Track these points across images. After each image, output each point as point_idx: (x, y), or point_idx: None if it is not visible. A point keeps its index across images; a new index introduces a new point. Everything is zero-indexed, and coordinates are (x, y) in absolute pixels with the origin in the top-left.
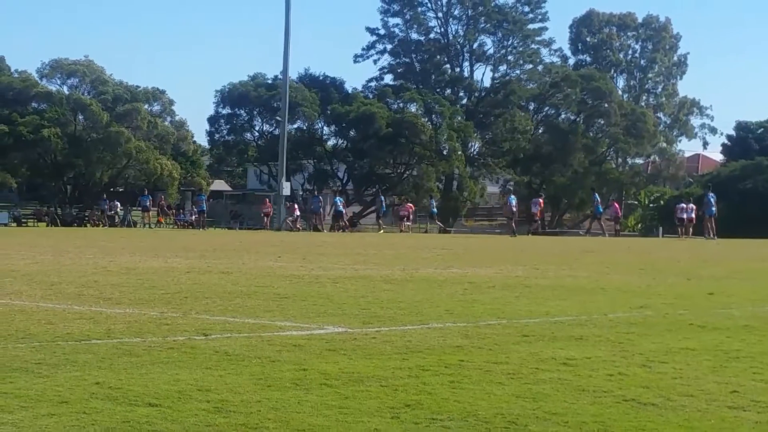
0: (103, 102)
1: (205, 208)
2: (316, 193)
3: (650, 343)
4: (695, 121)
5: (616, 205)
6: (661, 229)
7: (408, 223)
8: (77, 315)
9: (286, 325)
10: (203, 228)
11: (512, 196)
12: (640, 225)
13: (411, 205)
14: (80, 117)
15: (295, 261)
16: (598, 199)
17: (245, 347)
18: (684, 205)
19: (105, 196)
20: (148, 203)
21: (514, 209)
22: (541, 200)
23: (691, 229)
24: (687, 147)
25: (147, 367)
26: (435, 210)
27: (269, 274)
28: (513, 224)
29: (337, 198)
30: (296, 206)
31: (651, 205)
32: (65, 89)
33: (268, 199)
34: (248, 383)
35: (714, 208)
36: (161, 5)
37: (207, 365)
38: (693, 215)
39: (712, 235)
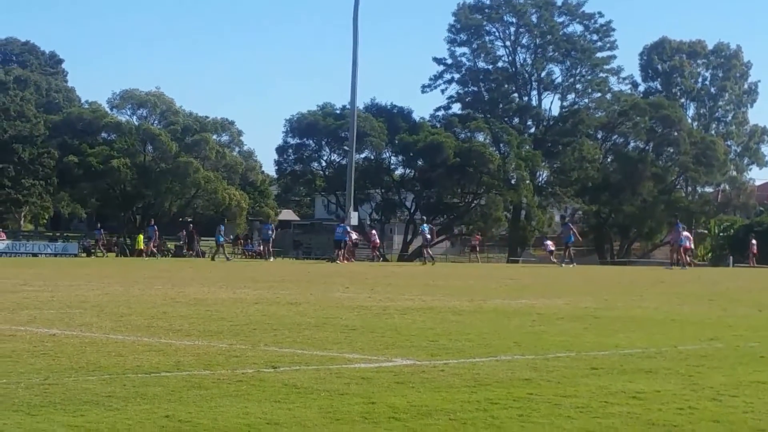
0: (172, 132)
1: (268, 238)
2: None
3: (721, 376)
4: (766, 149)
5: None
6: (731, 258)
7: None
8: (147, 347)
9: (354, 358)
10: (265, 258)
11: (425, 225)
12: (710, 254)
13: (479, 236)
14: (149, 147)
15: (363, 292)
16: (571, 227)
17: (314, 380)
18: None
19: (152, 222)
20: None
21: (428, 236)
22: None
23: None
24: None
25: (216, 400)
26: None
27: (337, 306)
28: (427, 251)
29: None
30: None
31: (721, 234)
32: (135, 120)
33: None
34: (317, 416)
35: (683, 237)
36: (231, 39)
37: (276, 398)
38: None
39: (685, 265)
